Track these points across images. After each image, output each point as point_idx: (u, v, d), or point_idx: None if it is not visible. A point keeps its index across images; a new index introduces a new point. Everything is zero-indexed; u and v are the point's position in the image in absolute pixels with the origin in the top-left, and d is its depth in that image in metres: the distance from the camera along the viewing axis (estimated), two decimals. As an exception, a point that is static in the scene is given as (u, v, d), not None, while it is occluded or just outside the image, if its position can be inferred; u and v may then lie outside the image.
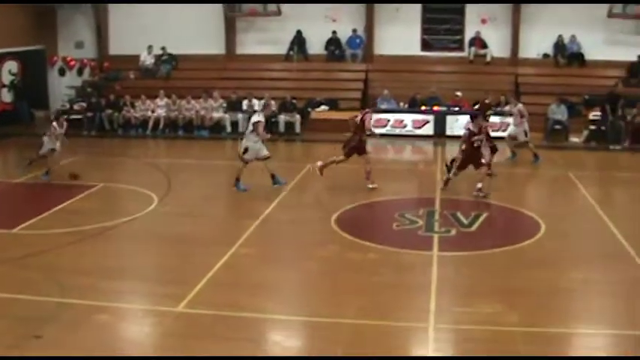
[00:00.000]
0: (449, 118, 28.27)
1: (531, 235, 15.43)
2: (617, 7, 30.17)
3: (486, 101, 20.03)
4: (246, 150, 19.00)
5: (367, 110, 20.19)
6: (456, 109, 28.74)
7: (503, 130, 25.87)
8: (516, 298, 11.87)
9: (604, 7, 30.19)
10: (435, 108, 28.75)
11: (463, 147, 18.87)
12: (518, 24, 31.54)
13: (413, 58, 32.05)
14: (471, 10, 32.07)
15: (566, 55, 31.48)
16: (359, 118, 19.73)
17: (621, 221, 16.33)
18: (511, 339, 10.30)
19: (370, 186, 19.26)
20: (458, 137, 27.01)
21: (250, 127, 19.21)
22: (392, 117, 28.42)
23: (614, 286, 12.69)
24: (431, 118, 28.33)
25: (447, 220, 16.43)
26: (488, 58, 31.89)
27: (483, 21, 31.94)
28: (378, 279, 12.77)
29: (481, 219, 16.62)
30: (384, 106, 29.06)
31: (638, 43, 30.95)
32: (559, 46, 31.54)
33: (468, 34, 32.23)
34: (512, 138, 23.51)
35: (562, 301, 11.99)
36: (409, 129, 28.54)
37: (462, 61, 32.14)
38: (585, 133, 27.68)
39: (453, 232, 15.62)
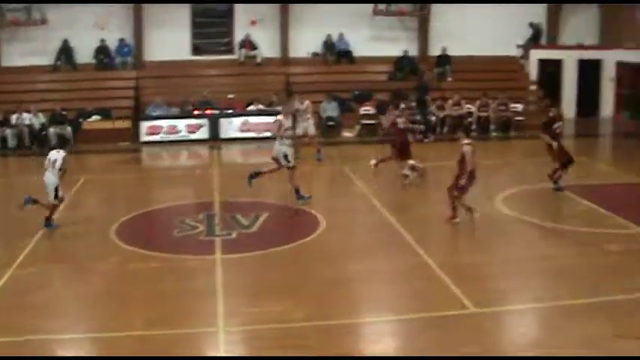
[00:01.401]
0: (222, 121, 28.38)
1: (312, 231, 15.81)
2: (382, 5, 31.39)
3: (550, 114, 20.38)
4: (286, 156, 18.27)
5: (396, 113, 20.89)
6: (230, 111, 28.90)
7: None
8: (302, 293, 12.14)
9: (369, 5, 31.32)
10: (208, 112, 28.76)
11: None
12: (287, 24, 32.15)
13: (184, 62, 31.95)
14: (239, 12, 32.32)
15: (335, 52, 32.35)
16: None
17: (397, 211, 16.97)
18: (301, 334, 10.53)
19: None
20: (233, 139, 27.38)
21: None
22: (165, 123, 28.19)
23: (395, 273, 13.23)
24: (205, 122, 28.31)
25: (227, 223, 16.51)
26: (259, 60, 32.25)
27: (252, 23, 32.25)
28: (163, 287, 12.68)
29: (261, 219, 16.80)
30: (156, 113, 28.80)
31: (403, 38, 32.49)
32: (328, 44, 32.38)
33: (238, 36, 32.46)
34: (304, 135, 23.61)
35: (346, 292, 12.36)
36: (184, 134, 28.38)
37: (233, 64, 32.34)
38: (357, 127, 28.61)
39: (235, 234, 15.72)
